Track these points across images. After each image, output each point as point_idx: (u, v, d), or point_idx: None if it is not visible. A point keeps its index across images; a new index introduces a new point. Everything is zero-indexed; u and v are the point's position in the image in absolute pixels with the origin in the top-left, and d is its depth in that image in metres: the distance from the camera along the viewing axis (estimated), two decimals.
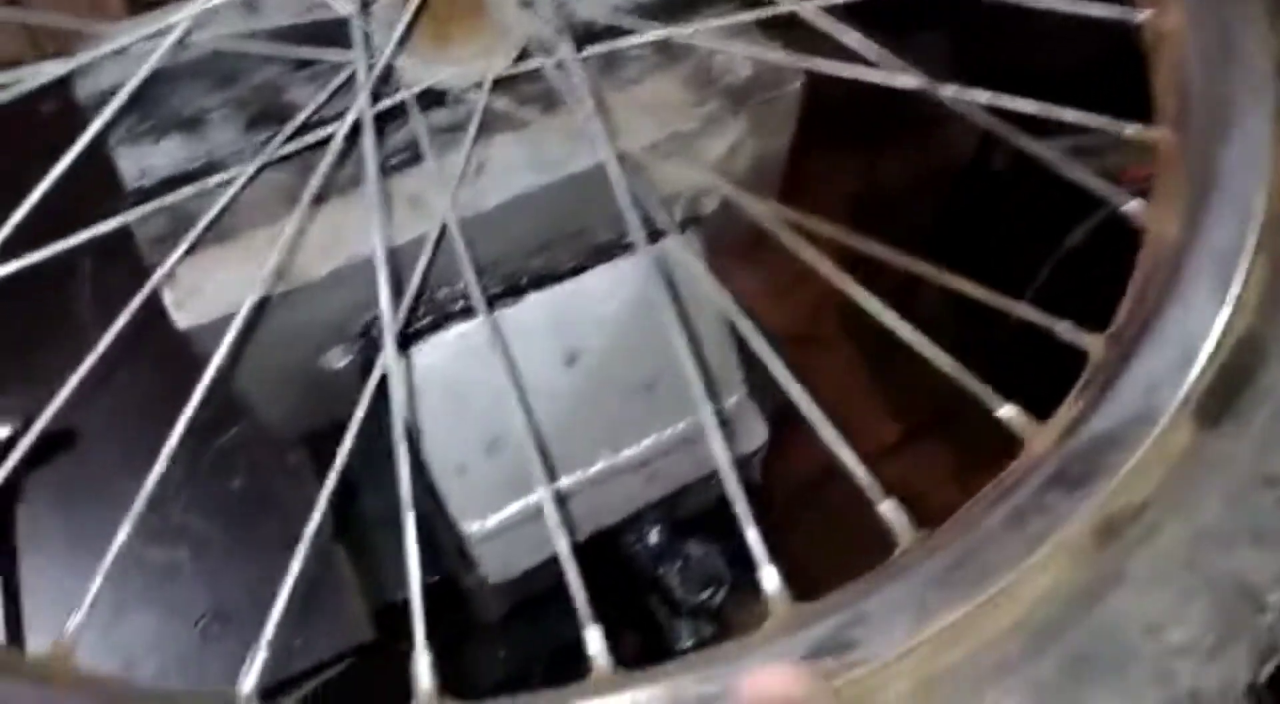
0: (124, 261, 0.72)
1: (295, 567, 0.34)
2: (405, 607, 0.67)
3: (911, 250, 0.38)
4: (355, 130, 0.46)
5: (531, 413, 0.53)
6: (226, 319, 0.44)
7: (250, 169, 0.44)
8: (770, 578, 0.31)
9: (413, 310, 0.50)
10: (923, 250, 0.38)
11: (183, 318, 0.44)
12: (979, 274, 0.38)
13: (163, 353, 0.69)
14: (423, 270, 0.47)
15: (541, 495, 0.54)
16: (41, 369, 0.70)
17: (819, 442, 0.34)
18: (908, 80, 0.36)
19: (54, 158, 0.56)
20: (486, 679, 0.72)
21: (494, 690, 0.31)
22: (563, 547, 0.35)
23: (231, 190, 0.43)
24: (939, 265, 0.38)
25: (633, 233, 0.51)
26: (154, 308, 0.70)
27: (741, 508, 0.34)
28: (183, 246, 0.42)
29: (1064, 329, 0.35)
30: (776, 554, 0.32)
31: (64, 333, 0.69)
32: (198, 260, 0.44)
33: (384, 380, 0.52)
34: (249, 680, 0.32)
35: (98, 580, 0.32)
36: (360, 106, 0.43)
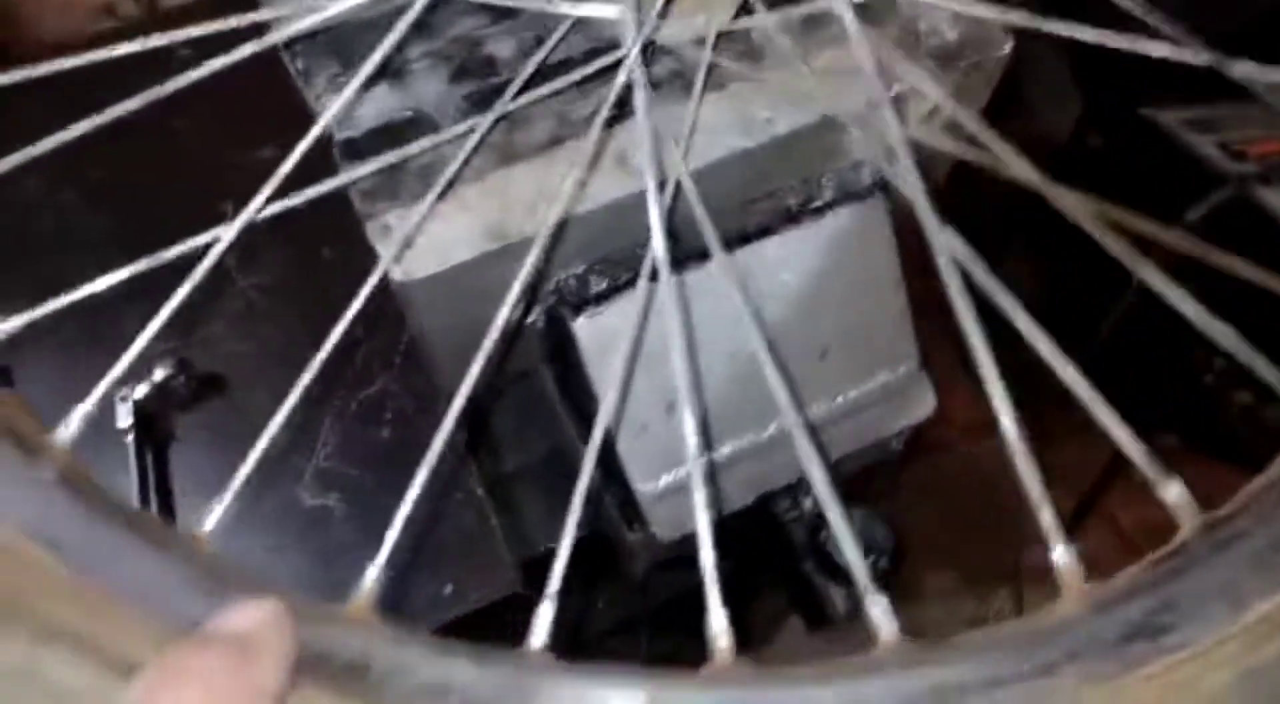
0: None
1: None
2: (549, 558, 0.68)
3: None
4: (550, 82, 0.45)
5: (710, 375, 0.52)
6: (438, 274, 0.43)
7: (490, 118, 0.43)
8: (1062, 556, 0.31)
9: (601, 271, 0.50)
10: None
11: (398, 272, 0.43)
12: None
13: (303, 302, 0.70)
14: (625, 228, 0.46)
15: (705, 460, 0.55)
16: (192, 317, 0.71)
17: None
18: (1195, 55, 0.35)
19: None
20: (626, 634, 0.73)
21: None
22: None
23: (475, 137, 0.42)
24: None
25: (824, 195, 0.51)
26: (304, 261, 0.70)
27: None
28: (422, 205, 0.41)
29: None
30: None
31: (211, 280, 0.70)
32: (411, 214, 0.44)
33: (565, 340, 0.52)
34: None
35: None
36: (631, 62, 0.42)
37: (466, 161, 0.43)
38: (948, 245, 0.35)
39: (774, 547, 0.59)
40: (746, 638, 0.30)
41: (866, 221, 0.51)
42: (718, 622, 0.31)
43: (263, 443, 0.34)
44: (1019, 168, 0.40)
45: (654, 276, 0.50)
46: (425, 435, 0.71)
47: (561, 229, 0.45)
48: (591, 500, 0.60)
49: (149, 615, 0.26)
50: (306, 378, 0.36)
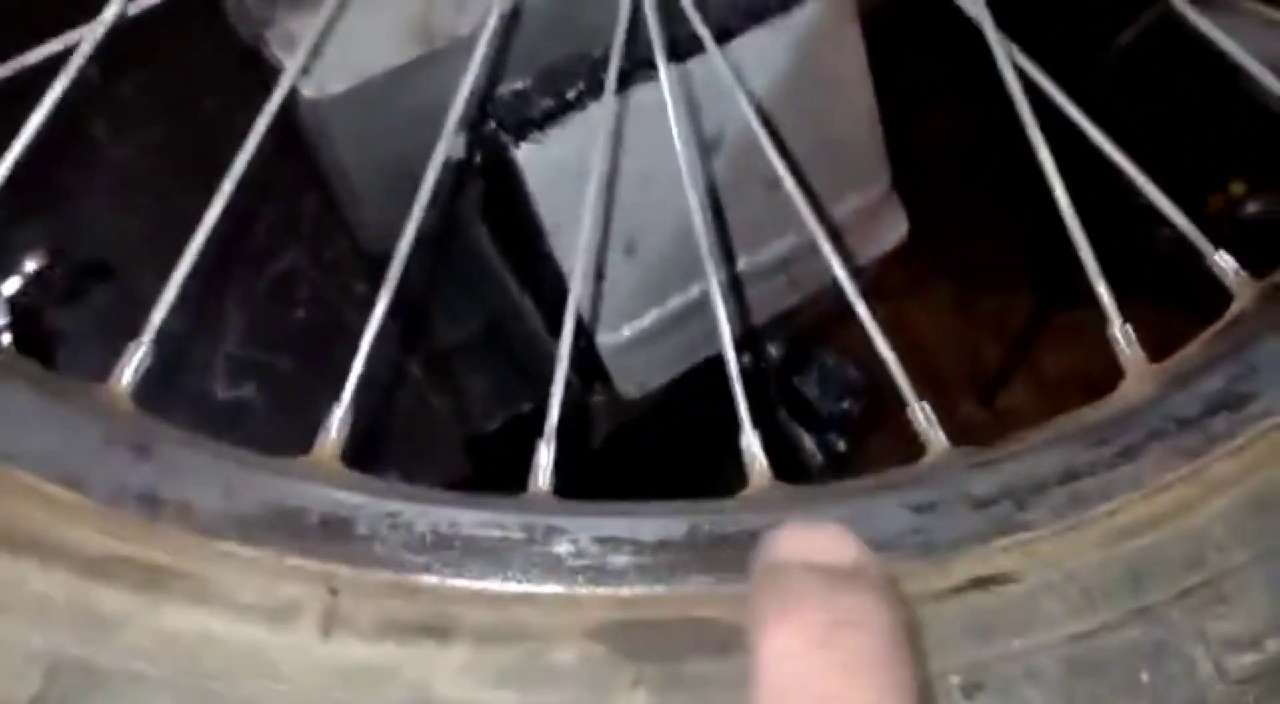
0: (135, 66, 0.62)
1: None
2: (496, 437, 0.63)
3: None
4: None
5: (669, 209, 0.47)
6: (356, 88, 0.36)
7: None
8: (1125, 337, 0.27)
9: (544, 87, 0.43)
10: None
11: (309, 87, 0.36)
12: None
13: (187, 164, 0.61)
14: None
15: (680, 302, 0.50)
16: (61, 195, 0.61)
17: None
18: None
19: None
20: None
21: None
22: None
23: None
24: None
25: None
26: (181, 111, 0.61)
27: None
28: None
29: None
30: None
31: (78, 151, 0.60)
32: (314, 19, 0.36)
33: (500, 173, 0.45)
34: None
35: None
36: None
37: None
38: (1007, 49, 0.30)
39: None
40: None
41: (834, 17, 0.45)
42: (750, 444, 0.26)
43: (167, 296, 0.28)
44: None
45: (597, 94, 0.44)
46: (345, 313, 0.64)
47: (503, 28, 0.38)
48: (539, 362, 0.55)
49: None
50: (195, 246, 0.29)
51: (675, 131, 0.38)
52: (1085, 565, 0.23)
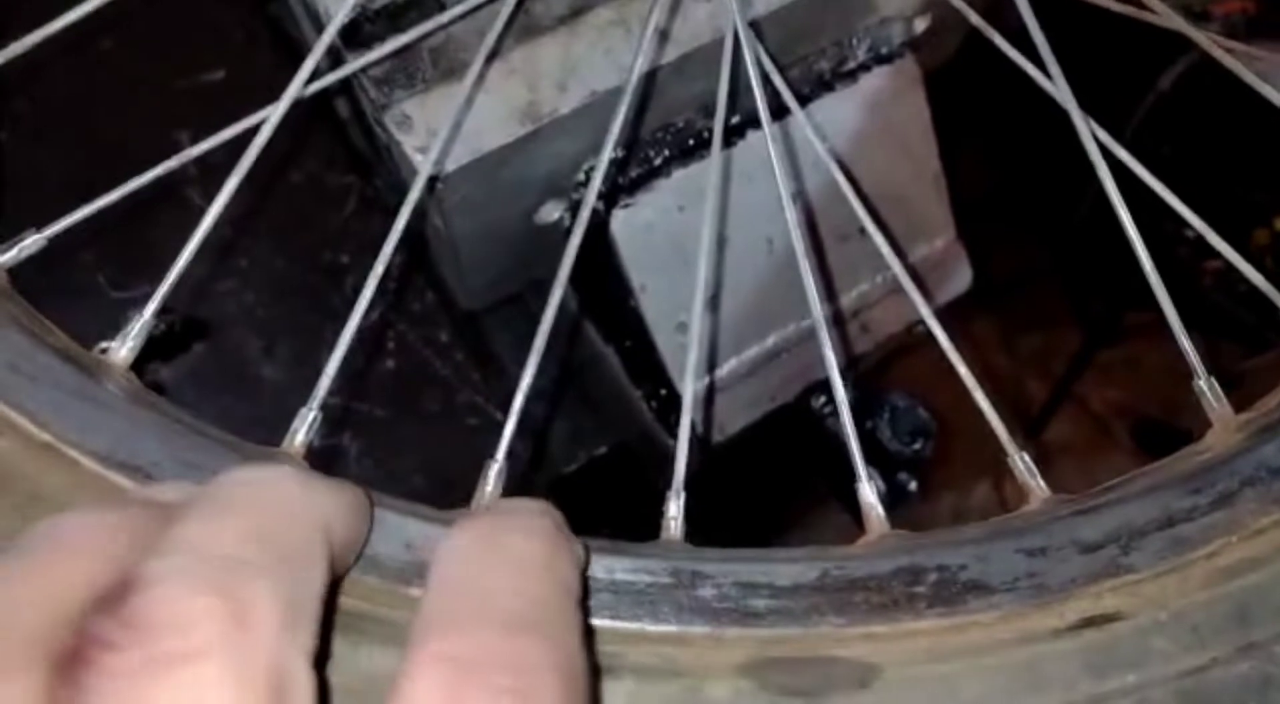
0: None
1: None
2: (575, 478, 0.65)
3: None
4: None
5: (750, 263, 0.50)
6: (470, 164, 0.39)
7: None
8: (1210, 389, 0.29)
9: (630, 157, 0.46)
10: None
11: (427, 164, 0.39)
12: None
13: (279, 230, 0.64)
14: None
15: (756, 351, 0.52)
16: (160, 261, 0.65)
17: None
18: None
19: None
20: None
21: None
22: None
23: (503, 9, 0.37)
24: None
25: (857, 57, 0.48)
26: (267, 179, 0.65)
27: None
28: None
29: None
30: None
31: (176, 218, 0.64)
32: (428, 100, 0.39)
33: (593, 237, 0.48)
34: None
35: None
36: None
37: (505, 32, 0.38)
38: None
39: (816, 442, 0.57)
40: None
41: (900, 83, 0.48)
42: (866, 494, 0.29)
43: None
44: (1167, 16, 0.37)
45: (685, 158, 0.47)
46: (432, 362, 0.67)
47: (604, 104, 0.41)
48: (620, 409, 0.57)
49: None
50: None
51: (783, 190, 0.40)
52: (1192, 605, 0.25)
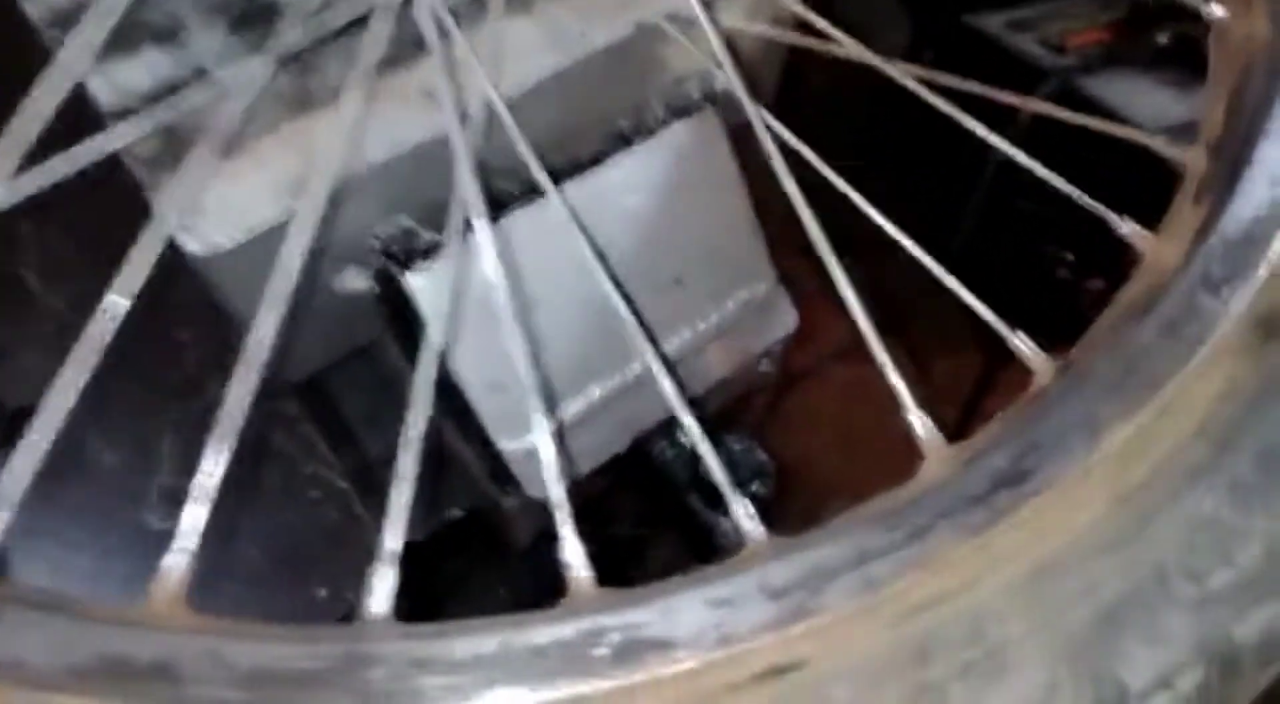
0: (64, 220, 0.66)
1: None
2: (426, 546, 0.64)
3: None
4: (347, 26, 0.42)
5: (566, 318, 0.50)
6: (246, 243, 0.40)
7: (270, 61, 0.39)
8: (922, 422, 0.30)
9: (427, 220, 0.47)
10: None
11: (193, 243, 0.39)
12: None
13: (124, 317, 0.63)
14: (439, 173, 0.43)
15: (580, 405, 0.52)
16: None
17: None
18: None
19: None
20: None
21: None
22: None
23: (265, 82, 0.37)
24: None
25: (655, 115, 0.49)
26: (105, 263, 0.64)
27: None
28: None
29: (1159, 144, 0.34)
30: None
31: (12, 303, 0.63)
32: (196, 179, 0.39)
33: (401, 303, 0.48)
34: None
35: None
36: None
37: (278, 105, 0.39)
38: (777, 136, 0.33)
39: (658, 487, 0.57)
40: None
41: (702, 135, 0.49)
42: (573, 553, 0.29)
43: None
44: (851, 47, 0.39)
45: (496, 211, 0.48)
46: (276, 437, 0.66)
47: (373, 177, 0.41)
48: (463, 472, 0.57)
49: None
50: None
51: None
52: (876, 645, 0.25)
